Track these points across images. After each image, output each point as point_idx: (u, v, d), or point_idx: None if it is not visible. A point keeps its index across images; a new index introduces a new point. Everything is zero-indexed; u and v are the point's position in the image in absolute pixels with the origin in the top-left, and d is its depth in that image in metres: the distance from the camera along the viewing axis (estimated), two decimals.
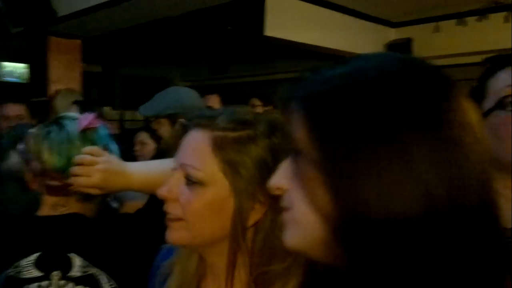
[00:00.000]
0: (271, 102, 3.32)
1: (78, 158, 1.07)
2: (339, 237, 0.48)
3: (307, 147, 0.50)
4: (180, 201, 0.77)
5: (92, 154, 1.08)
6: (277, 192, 0.57)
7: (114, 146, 1.23)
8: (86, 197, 1.16)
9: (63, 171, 1.12)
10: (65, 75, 4.55)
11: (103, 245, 1.13)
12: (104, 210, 1.27)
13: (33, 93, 4.60)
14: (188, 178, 0.77)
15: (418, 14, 4.91)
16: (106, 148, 1.17)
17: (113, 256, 1.12)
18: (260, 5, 3.72)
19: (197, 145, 0.78)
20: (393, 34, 5.27)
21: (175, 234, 0.78)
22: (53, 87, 4.44)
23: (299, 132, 0.51)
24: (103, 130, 1.23)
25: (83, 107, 2.78)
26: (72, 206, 1.16)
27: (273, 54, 6.09)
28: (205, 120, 0.79)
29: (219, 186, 0.75)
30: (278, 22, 3.89)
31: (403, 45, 4.97)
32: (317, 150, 0.48)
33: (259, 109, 3.33)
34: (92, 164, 1.07)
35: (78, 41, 4.66)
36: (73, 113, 1.29)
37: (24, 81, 5.93)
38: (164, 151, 1.98)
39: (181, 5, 3.65)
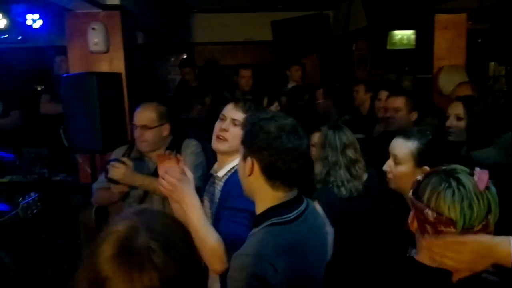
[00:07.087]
0: None
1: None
2: None
3: None
4: None
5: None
6: None
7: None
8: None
9: (457, 225, 1.29)
10: (449, 51, 4.67)
11: None
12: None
13: (419, 70, 4.99)
14: None
15: None
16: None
17: None
18: None
19: None
20: None
21: None
22: (437, 64, 4.65)
23: None
24: (494, 188, 1.34)
25: None
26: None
27: None
28: None
29: None
30: None
31: None
32: None
33: None
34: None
35: (464, 15, 4.64)
36: (461, 166, 1.39)
37: (412, 47, 6.40)
38: None
39: None
